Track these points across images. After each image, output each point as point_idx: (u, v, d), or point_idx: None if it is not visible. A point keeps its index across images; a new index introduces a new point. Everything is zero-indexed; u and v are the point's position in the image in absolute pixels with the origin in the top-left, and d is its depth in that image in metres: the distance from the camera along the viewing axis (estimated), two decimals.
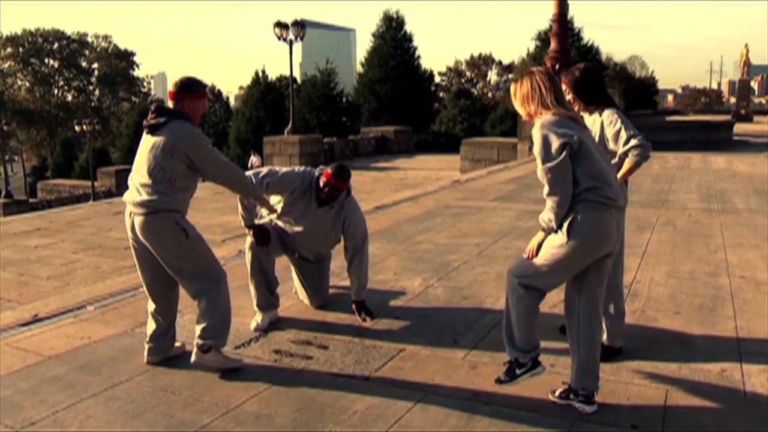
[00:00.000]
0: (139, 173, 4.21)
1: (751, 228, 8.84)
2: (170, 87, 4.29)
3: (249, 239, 5.19)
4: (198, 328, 4.29)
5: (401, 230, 8.99)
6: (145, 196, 4.14)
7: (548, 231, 3.66)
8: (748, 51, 48.29)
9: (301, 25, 28.44)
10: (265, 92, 40.26)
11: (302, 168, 5.33)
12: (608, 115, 4.38)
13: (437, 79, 54.09)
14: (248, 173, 5.12)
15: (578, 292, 3.78)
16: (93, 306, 5.79)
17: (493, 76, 64.78)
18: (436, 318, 5.37)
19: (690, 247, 7.72)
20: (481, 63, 64.63)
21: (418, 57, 42.37)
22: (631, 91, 35.10)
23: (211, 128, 55.45)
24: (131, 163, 4.47)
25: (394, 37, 41.26)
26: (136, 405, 3.89)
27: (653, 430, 3.57)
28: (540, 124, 3.61)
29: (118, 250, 9.65)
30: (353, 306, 5.30)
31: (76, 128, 44.95)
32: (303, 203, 5.15)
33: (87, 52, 75.66)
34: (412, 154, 27.66)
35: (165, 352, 4.46)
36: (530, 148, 3.66)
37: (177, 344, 4.64)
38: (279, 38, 28.08)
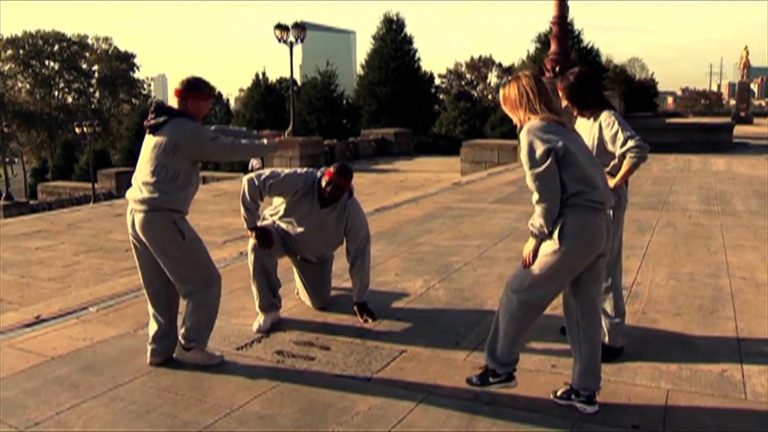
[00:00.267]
0: (141, 172, 4.27)
1: (751, 230, 8.86)
2: (177, 85, 4.35)
3: (252, 241, 5.21)
4: (182, 328, 4.44)
5: (402, 232, 9.01)
6: (146, 194, 4.19)
7: (539, 237, 3.66)
8: (747, 53, 48.29)
9: (301, 27, 28.47)
10: (265, 94, 40.26)
11: (304, 169, 5.35)
12: (605, 117, 4.41)
13: (437, 81, 54.14)
14: (250, 175, 5.15)
15: (573, 292, 3.81)
16: (95, 307, 5.81)
17: (493, 78, 64.88)
18: (437, 319, 5.38)
19: (690, 249, 7.74)
20: (481, 65, 64.73)
21: (419, 59, 42.36)
22: (631, 94, 35.12)
23: None
24: (132, 165, 4.53)
25: (394, 39, 41.23)
26: (139, 405, 3.91)
27: (654, 430, 3.59)
28: (527, 129, 3.63)
29: (118, 252, 9.66)
30: (355, 307, 5.32)
31: (77, 130, 44.98)
32: (305, 204, 5.17)
33: (87, 54, 75.65)
34: (413, 156, 27.66)
35: (167, 353, 4.48)
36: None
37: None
38: (279, 40, 28.11)
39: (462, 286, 6.26)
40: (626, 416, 3.72)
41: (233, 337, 5.03)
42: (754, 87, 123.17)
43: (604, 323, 4.52)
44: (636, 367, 4.35)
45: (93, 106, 74.32)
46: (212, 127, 4.60)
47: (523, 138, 3.61)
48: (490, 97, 59.97)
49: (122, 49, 76.94)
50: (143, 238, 4.25)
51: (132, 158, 44.03)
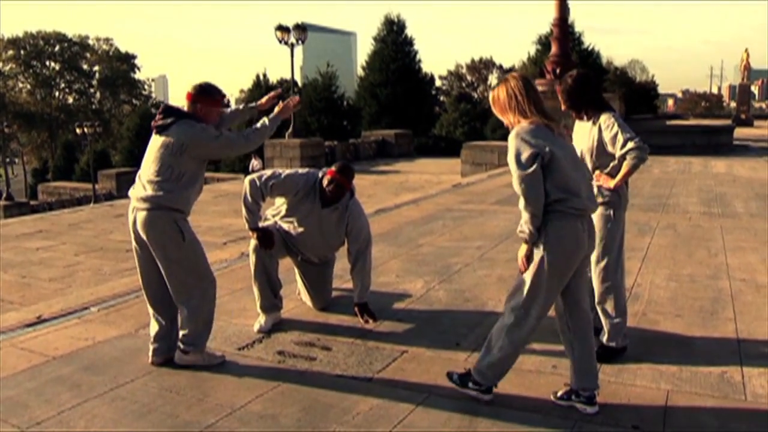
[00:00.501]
0: (146, 171, 4.30)
1: (751, 232, 8.88)
2: (189, 89, 4.41)
3: (253, 242, 5.22)
4: (180, 332, 4.47)
5: (403, 233, 9.03)
6: (150, 192, 4.22)
7: (530, 242, 3.67)
8: (748, 55, 48.34)
9: (302, 29, 28.48)
10: (265, 95, 40.29)
11: (306, 170, 5.37)
12: (605, 119, 4.42)
13: (438, 82, 54.24)
14: (252, 176, 5.17)
15: (560, 294, 3.83)
16: (96, 307, 5.82)
17: (493, 80, 64.93)
18: (438, 320, 5.40)
19: (690, 251, 7.75)
20: (481, 67, 64.81)
21: (419, 61, 42.34)
22: (631, 96, 35.10)
23: None
24: (132, 165, 4.58)
25: (395, 40, 41.22)
26: (141, 405, 3.93)
27: (654, 430, 3.60)
28: (515, 132, 3.65)
29: (119, 253, 9.67)
30: (356, 308, 5.33)
31: (77, 131, 45.00)
32: (307, 204, 5.18)
33: (88, 55, 75.74)
34: (413, 158, 27.67)
35: (169, 353, 4.50)
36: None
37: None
38: (280, 41, 28.12)
39: (463, 287, 6.27)
40: (626, 417, 3.73)
41: (234, 337, 5.04)
42: (754, 89, 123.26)
43: (605, 323, 4.54)
44: (636, 368, 4.36)
45: (94, 107, 74.38)
46: None
47: (512, 141, 3.62)
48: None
49: (123, 49, 77.14)
50: (143, 236, 4.27)
51: (132, 159, 44.07)
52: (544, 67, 24.48)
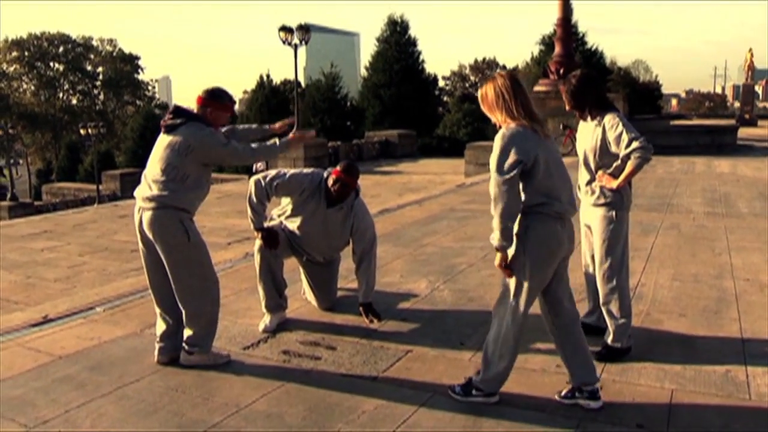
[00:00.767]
0: (152, 170, 4.33)
1: (755, 231, 8.88)
2: (200, 92, 4.46)
3: (258, 242, 5.23)
4: (184, 333, 4.48)
5: (407, 233, 9.04)
6: (155, 192, 4.25)
7: (501, 250, 3.68)
8: (752, 55, 48.24)
9: (305, 29, 28.55)
10: (269, 96, 40.26)
11: (311, 170, 5.38)
12: (610, 119, 4.43)
13: (441, 83, 54.19)
14: (257, 176, 5.18)
15: (541, 295, 3.87)
16: (102, 307, 5.84)
17: None
18: (442, 320, 5.41)
19: (694, 251, 7.76)
20: (485, 67, 64.77)
21: (423, 61, 42.34)
22: (634, 96, 35.05)
23: None
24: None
25: (398, 41, 41.23)
26: (147, 404, 3.95)
27: (658, 429, 3.61)
28: (502, 133, 3.64)
29: (124, 253, 9.69)
30: (360, 308, 5.34)
31: (81, 131, 45.19)
32: (312, 204, 5.20)
33: (92, 56, 75.75)
34: (417, 158, 27.66)
35: (175, 352, 4.51)
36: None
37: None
38: (284, 42, 28.19)
39: (467, 287, 6.28)
40: (631, 416, 3.74)
41: (239, 337, 5.06)
42: (758, 89, 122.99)
43: (610, 324, 4.55)
44: (640, 368, 4.37)
45: (97, 108, 74.35)
46: (223, 129, 4.66)
47: (498, 142, 3.62)
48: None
49: (127, 50, 77.01)
50: (149, 236, 4.29)
51: (136, 159, 44.13)
52: (547, 68, 24.48)
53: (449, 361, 4.55)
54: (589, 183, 4.58)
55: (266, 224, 5.30)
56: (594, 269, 4.71)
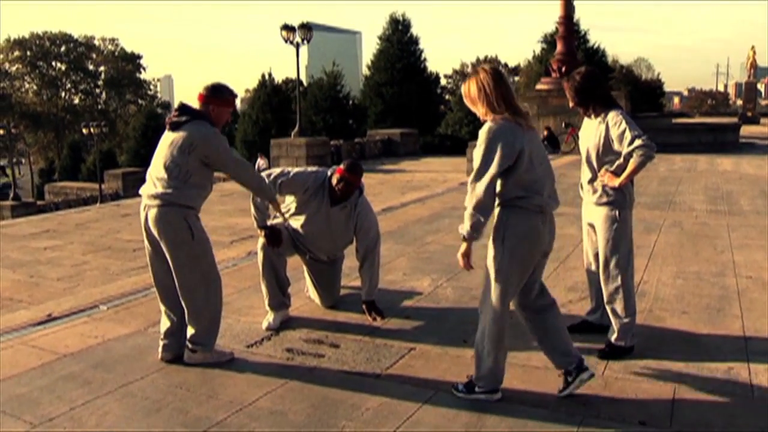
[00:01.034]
0: (156, 167, 4.35)
1: (757, 229, 8.88)
2: (201, 90, 4.45)
3: (261, 240, 5.25)
4: (188, 332, 4.49)
5: (409, 231, 9.05)
6: (160, 189, 4.27)
7: (468, 240, 3.73)
8: (754, 53, 48.24)
9: (307, 28, 28.46)
10: (271, 95, 40.33)
11: (315, 168, 5.39)
12: (613, 116, 4.43)
13: (443, 81, 54.15)
14: (261, 174, 5.19)
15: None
16: (106, 306, 5.86)
17: None
18: (445, 317, 5.42)
19: (697, 248, 7.76)
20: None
21: (425, 60, 42.38)
22: (637, 94, 35.12)
23: None
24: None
25: (400, 39, 41.26)
26: (151, 402, 3.96)
27: (661, 426, 3.62)
28: (487, 128, 3.66)
29: (127, 252, 9.70)
30: (364, 306, 5.36)
31: (84, 131, 45.07)
32: (316, 203, 5.21)
33: (94, 55, 75.78)
34: (419, 157, 27.64)
35: (179, 349, 4.53)
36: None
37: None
38: (286, 41, 28.12)
39: (470, 285, 6.29)
40: (633, 412, 3.75)
41: (243, 335, 5.08)
42: (761, 87, 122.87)
43: (614, 323, 4.55)
44: (643, 365, 4.37)
45: (99, 107, 74.44)
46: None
47: (482, 136, 3.65)
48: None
49: (129, 50, 77.04)
50: (155, 233, 4.31)
51: (138, 159, 44.16)
52: (549, 66, 24.50)
53: (452, 358, 4.56)
54: (591, 181, 4.57)
55: (269, 222, 5.31)
56: (596, 267, 4.71)
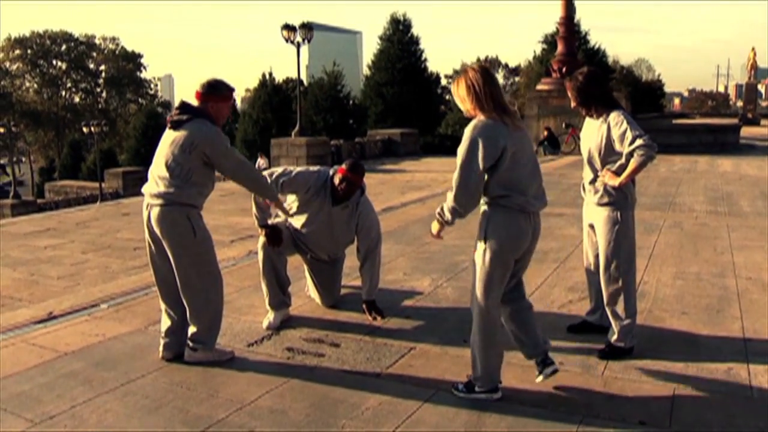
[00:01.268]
0: (158, 166, 4.35)
1: (757, 230, 8.89)
2: (197, 87, 4.43)
3: (261, 239, 5.25)
4: (189, 330, 4.50)
5: (409, 231, 9.07)
6: (162, 188, 4.27)
7: (443, 224, 3.85)
8: (755, 54, 48.24)
9: (308, 28, 28.46)
10: (271, 94, 40.37)
11: (317, 167, 5.39)
12: (615, 116, 4.42)
13: (444, 81, 54.13)
14: (263, 174, 5.19)
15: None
16: (106, 304, 5.87)
17: (499, 79, 64.70)
18: (445, 317, 5.43)
19: (697, 249, 7.77)
20: (487, 66, 64.71)
21: (425, 60, 42.43)
22: (637, 94, 35.14)
23: None
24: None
25: (401, 39, 41.31)
26: (152, 400, 3.97)
27: (661, 426, 3.63)
28: (473, 125, 3.70)
29: (127, 251, 9.71)
30: (364, 305, 5.37)
31: (84, 130, 45.07)
32: (317, 202, 5.21)
33: (94, 54, 75.79)
34: (419, 157, 27.63)
35: (180, 348, 4.54)
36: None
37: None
38: (287, 41, 28.12)
39: (470, 285, 6.25)
40: (633, 412, 3.76)
41: (243, 334, 5.09)
42: (761, 88, 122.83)
43: (614, 324, 4.55)
44: (643, 365, 4.38)
45: (100, 106, 74.47)
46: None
47: (467, 133, 3.68)
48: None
49: (129, 49, 77.10)
50: (157, 232, 4.32)
51: (139, 158, 44.15)
52: (550, 66, 24.52)
53: (452, 358, 4.57)
54: (593, 181, 4.57)
55: (270, 222, 5.32)
56: (596, 268, 4.71)
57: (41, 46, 72.14)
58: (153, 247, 4.45)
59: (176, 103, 4.59)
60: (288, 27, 28.07)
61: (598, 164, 4.51)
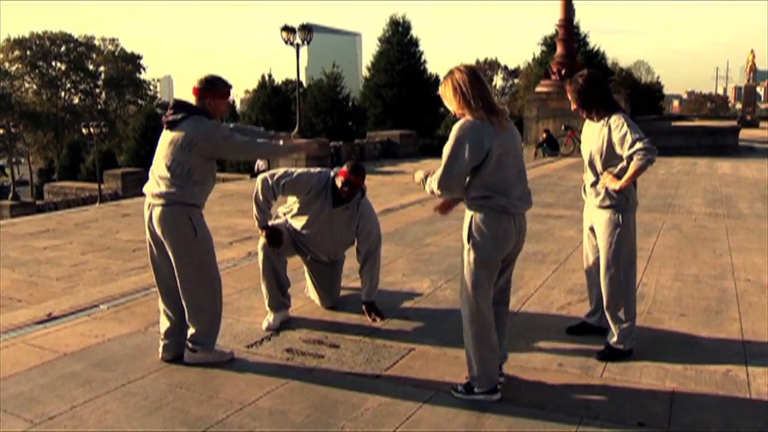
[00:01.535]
0: (158, 166, 4.36)
1: (756, 232, 8.90)
2: (195, 84, 4.43)
3: (261, 240, 5.25)
4: (188, 331, 4.51)
5: (409, 233, 9.07)
6: (163, 188, 4.28)
7: (424, 187, 3.89)
8: (754, 56, 48.32)
9: (308, 29, 28.47)
10: (271, 96, 40.36)
11: (318, 169, 5.40)
12: (615, 119, 4.43)
13: None
14: (264, 175, 5.21)
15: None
16: (106, 305, 5.88)
17: (498, 81, 64.96)
18: (444, 318, 5.43)
19: (695, 251, 7.78)
20: (486, 68, 64.73)
21: (425, 61, 42.40)
22: (636, 97, 35.13)
23: None
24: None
25: (400, 41, 41.29)
26: (151, 401, 3.97)
27: (660, 427, 3.63)
28: (459, 125, 3.72)
29: (126, 252, 9.71)
30: (363, 307, 5.38)
31: (83, 131, 44.99)
32: (318, 204, 5.22)
33: (94, 55, 75.71)
34: (418, 158, 27.63)
35: (179, 349, 4.54)
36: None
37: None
38: (286, 42, 28.12)
39: None
40: (632, 414, 3.76)
41: (243, 335, 5.09)
42: (760, 90, 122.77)
43: (614, 327, 4.56)
44: (642, 366, 4.39)
45: (99, 107, 74.38)
46: (230, 125, 4.67)
47: (454, 132, 3.71)
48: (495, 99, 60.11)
49: (128, 50, 76.95)
50: (158, 232, 4.33)
51: (138, 159, 44.09)
52: (549, 68, 24.53)
53: (451, 359, 4.58)
54: (594, 184, 4.57)
55: (271, 223, 5.32)
56: (595, 270, 4.72)
57: (40, 47, 72.08)
58: (154, 248, 4.46)
59: (174, 99, 4.58)
60: (287, 28, 28.08)
61: (599, 167, 4.51)
